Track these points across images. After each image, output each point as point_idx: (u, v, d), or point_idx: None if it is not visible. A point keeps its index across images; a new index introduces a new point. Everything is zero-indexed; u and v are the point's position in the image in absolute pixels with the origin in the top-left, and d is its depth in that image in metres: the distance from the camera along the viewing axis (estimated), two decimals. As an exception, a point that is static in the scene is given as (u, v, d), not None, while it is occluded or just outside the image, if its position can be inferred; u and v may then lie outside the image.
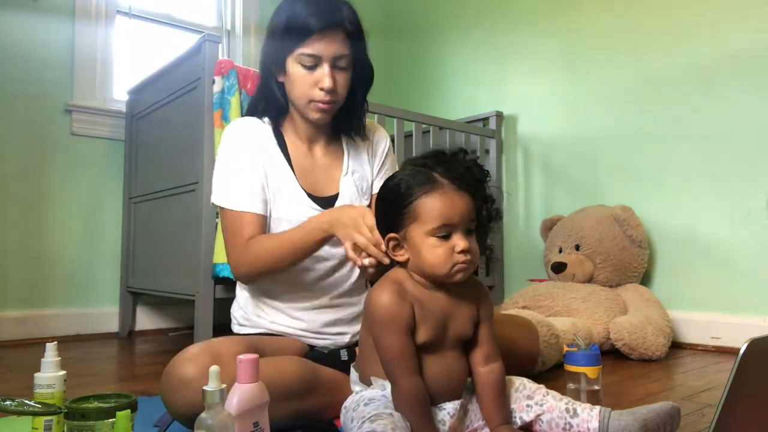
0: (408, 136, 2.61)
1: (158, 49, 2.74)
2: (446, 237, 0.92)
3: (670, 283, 2.29)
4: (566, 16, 2.69)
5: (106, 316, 2.46)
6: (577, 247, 2.33)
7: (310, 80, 1.20)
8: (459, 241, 0.91)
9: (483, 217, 0.97)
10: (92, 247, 2.46)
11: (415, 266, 0.95)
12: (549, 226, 2.55)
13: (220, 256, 1.78)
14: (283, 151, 1.28)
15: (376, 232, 1.00)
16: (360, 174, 1.35)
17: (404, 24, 3.51)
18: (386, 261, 1.00)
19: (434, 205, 0.91)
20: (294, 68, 1.20)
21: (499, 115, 2.90)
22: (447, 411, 0.95)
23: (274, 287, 1.27)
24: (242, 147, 1.25)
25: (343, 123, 1.32)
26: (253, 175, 1.23)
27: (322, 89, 1.19)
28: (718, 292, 2.16)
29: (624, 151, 2.45)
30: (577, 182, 2.62)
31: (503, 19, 2.96)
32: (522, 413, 1.00)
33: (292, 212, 1.24)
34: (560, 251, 2.39)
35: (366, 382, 1.00)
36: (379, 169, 1.39)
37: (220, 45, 2.17)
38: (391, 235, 0.96)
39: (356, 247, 1.05)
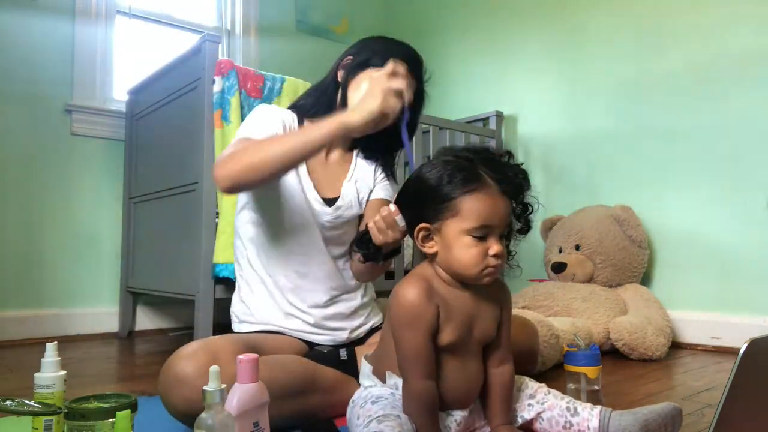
0: (408, 136, 2.60)
1: (158, 49, 2.74)
2: (482, 238, 0.89)
3: (670, 283, 2.29)
4: (566, 16, 2.69)
5: (106, 316, 2.46)
6: (577, 247, 2.33)
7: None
8: (494, 245, 0.89)
9: (517, 225, 0.96)
10: (92, 247, 2.46)
11: (444, 261, 0.92)
12: (549, 226, 2.55)
13: (220, 256, 1.78)
14: None
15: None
16: (363, 183, 1.38)
17: (404, 24, 3.51)
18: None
19: (478, 204, 0.88)
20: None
21: (499, 115, 2.90)
22: (455, 418, 0.95)
23: (274, 278, 1.28)
24: (269, 118, 1.29)
25: (370, 145, 1.37)
26: (272, 131, 1.26)
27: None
28: (718, 292, 2.16)
29: (624, 151, 2.45)
30: (577, 182, 2.62)
31: (503, 19, 2.96)
32: (523, 412, 1.01)
33: (297, 197, 1.27)
34: (560, 251, 2.39)
35: (379, 375, 0.98)
36: (381, 179, 1.42)
37: (220, 45, 2.17)
38: (424, 225, 0.92)
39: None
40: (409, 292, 0.90)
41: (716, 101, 2.19)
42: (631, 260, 2.25)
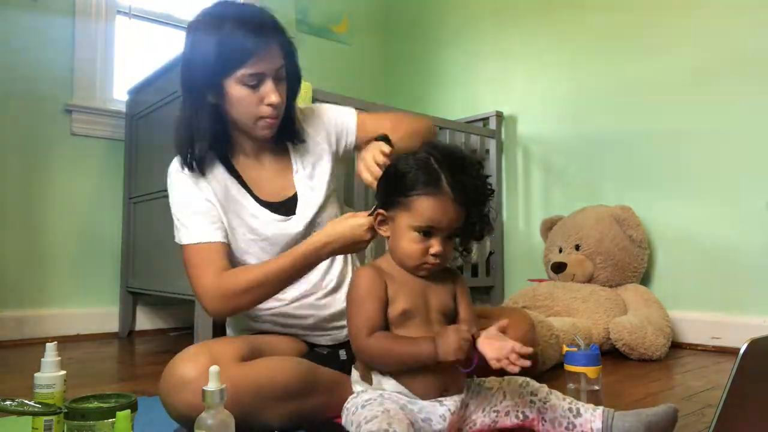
0: (408, 136, 2.60)
1: (158, 49, 2.74)
2: (427, 236, 0.99)
3: (670, 283, 2.29)
4: (566, 16, 2.69)
5: (106, 316, 2.46)
6: (577, 247, 2.33)
7: (255, 98, 1.16)
8: (436, 245, 0.99)
9: (473, 233, 1.03)
10: (92, 247, 2.46)
11: (392, 247, 1.04)
12: (549, 226, 2.55)
13: (220, 256, 1.78)
14: (231, 172, 1.26)
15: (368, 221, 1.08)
16: (312, 164, 1.31)
17: (404, 24, 3.51)
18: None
19: (428, 206, 0.97)
20: (235, 89, 1.15)
21: (499, 115, 2.90)
22: (447, 407, 0.96)
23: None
24: (188, 187, 1.25)
25: (281, 133, 1.28)
26: (206, 210, 1.21)
27: (270, 105, 1.16)
28: (718, 292, 2.16)
29: (624, 151, 2.45)
30: (577, 182, 2.62)
31: (503, 19, 2.96)
32: (525, 408, 1.00)
33: (257, 226, 1.22)
34: (560, 251, 2.39)
35: (367, 380, 1.01)
36: (341, 134, 1.36)
37: (220, 45, 2.16)
38: (381, 211, 1.04)
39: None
40: (359, 276, 1.02)
41: (716, 101, 2.19)
42: (631, 260, 2.25)
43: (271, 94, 1.16)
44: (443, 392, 0.97)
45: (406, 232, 0.99)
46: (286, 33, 1.20)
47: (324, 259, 1.15)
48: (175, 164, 1.29)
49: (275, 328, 1.27)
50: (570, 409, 0.98)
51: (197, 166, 1.24)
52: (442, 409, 0.95)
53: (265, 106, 1.17)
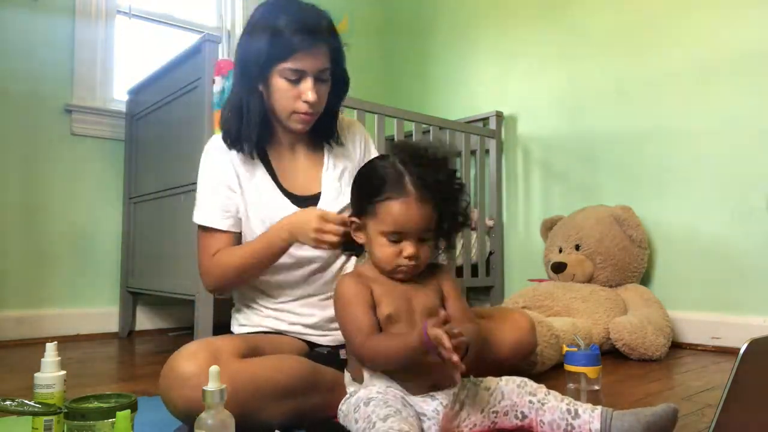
0: (408, 136, 2.61)
1: (158, 49, 2.74)
2: (397, 241, 1.00)
3: (670, 283, 2.29)
4: (566, 16, 2.69)
5: (106, 316, 2.46)
6: (577, 247, 2.33)
7: (294, 93, 1.21)
8: (408, 248, 0.99)
9: (443, 230, 1.04)
10: (92, 247, 2.46)
11: (369, 253, 1.06)
12: (549, 226, 2.55)
13: (220, 256, 1.78)
14: (263, 159, 1.30)
15: (342, 216, 1.08)
16: (343, 167, 1.35)
17: (404, 24, 3.51)
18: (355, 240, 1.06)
19: (393, 211, 0.98)
20: (277, 81, 1.21)
21: (499, 115, 2.90)
22: (439, 401, 0.96)
23: (271, 285, 1.28)
24: (215, 168, 1.29)
25: (320, 130, 1.33)
26: (223, 194, 1.27)
27: (306, 102, 1.21)
28: (718, 292, 2.16)
29: (624, 151, 2.45)
30: (577, 182, 2.62)
31: (503, 19, 2.96)
32: (524, 408, 1.00)
33: (276, 218, 1.23)
34: (560, 251, 2.39)
35: (358, 380, 1.02)
36: (365, 156, 1.41)
37: (220, 45, 2.17)
38: (354, 219, 1.06)
39: (321, 242, 1.10)
40: (341, 284, 1.04)
41: (716, 101, 2.19)
42: (631, 260, 2.25)
43: (308, 92, 1.20)
44: (433, 387, 0.98)
45: (377, 238, 1.01)
46: (339, 39, 1.26)
47: (285, 244, 1.17)
48: (215, 141, 1.33)
49: (279, 325, 1.27)
50: (568, 410, 0.97)
51: (237, 146, 1.27)
52: (434, 404, 0.96)
53: (301, 102, 1.21)
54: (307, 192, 1.31)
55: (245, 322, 1.31)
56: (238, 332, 1.31)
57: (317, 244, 1.11)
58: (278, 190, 1.29)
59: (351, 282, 1.03)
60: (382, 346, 0.95)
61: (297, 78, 1.20)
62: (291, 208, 1.26)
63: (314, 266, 1.27)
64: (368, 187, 1.02)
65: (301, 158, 1.34)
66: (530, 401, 1.00)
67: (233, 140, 1.27)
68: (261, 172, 1.29)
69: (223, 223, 1.26)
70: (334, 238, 1.08)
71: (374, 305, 1.00)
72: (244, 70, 1.24)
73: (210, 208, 1.27)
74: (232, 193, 1.27)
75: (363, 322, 0.98)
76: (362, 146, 1.43)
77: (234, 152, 1.28)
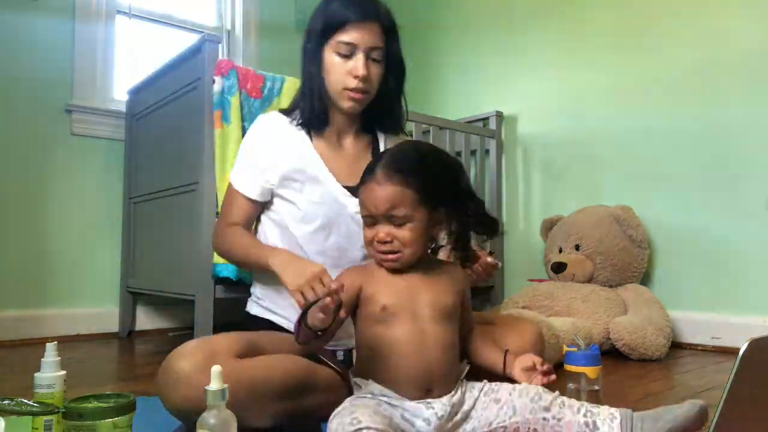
0: (408, 135, 2.60)
1: (158, 49, 2.74)
2: (371, 226, 1.01)
3: (670, 283, 2.29)
4: (567, 16, 2.69)
5: (106, 316, 2.46)
6: (577, 247, 2.33)
7: (345, 68, 1.22)
8: (380, 232, 0.99)
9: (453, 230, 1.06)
10: (92, 247, 2.46)
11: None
12: (549, 226, 2.55)
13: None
14: (311, 141, 1.32)
15: (334, 285, 0.91)
16: None
17: (404, 23, 3.49)
18: (342, 314, 0.95)
19: (363, 195, 1.01)
20: (330, 56, 1.23)
21: (499, 115, 2.90)
22: (435, 410, 0.93)
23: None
24: (262, 137, 1.30)
25: (375, 116, 1.34)
26: (262, 167, 1.27)
27: (356, 77, 1.22)
28: (718, 292, 2.16)
29: (624, 151, 2.45)
30: (577, 182, 2.62)
31: (503, 19, 2.96)
32: (536, 425, 0.93)
33: (326, 195, 1.26)
34: (560, 251, 2.39)
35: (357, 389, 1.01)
36: None
37: (220, 45, 2.17)
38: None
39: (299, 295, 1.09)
40: (342, 272, 1.06)
41: (716, 101, 2.19)
42: (631, 260, 2.25)
43: (359, 67, 1.21)
44: (427, 392, 0.95)
45: (363, 227, 1.04)
46: (395, 23, 1.29)
47: (269, 269, 1.18)
48: (272, 113, 1.36)
49: (280, 320, 1.28)
50: (587, 424, 0.91)
51: (297, 122, 1.30)
52: (428, 413, 0.92)
53: (351, 77, 1.22)
54: (348, 182, 1.28)
55: (262, 297, 1.32)
56: (253, 312, 1.33)
57: (295, 293, 1.09)
58: (326, 171, 1.27)
59: (349, 274, 1.04)
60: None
61: (349, 53, 1.21)
62: (338, 190, 1.26)
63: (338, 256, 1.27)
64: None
65: (347, 146, 1.34)
66: (544, 418, 0.93)
67: (293, 116, 1.31)
68: (311, 154, 1.29)
69: (253, 192, 1.29)
70: (310, 296, 1.05)
71: (357, 301, 1.01)
72: (305, 47, 1.28)
73: (245, 173, 1.30)
74: (272, 166, 1.27)
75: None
76: None
77: (289, 128, 1.30)
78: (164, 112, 2.20)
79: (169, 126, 2.16)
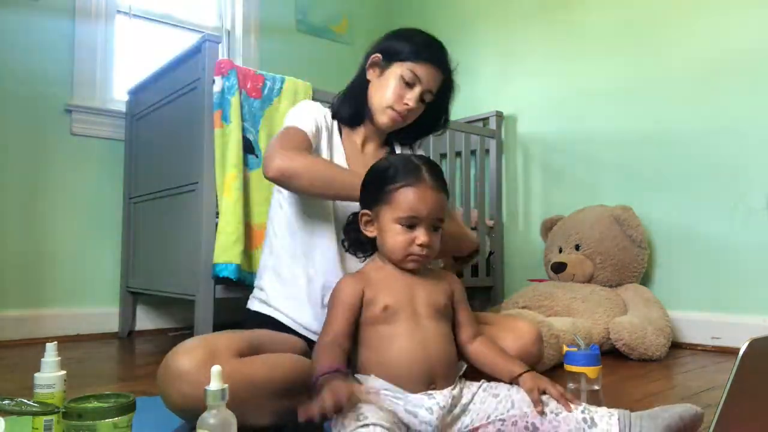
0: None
1: (158, 49, 2.74)
2: (411, 227, 1.01)
3: (670, 283, 2.29)
4: (566, 16, 2.69)
5: (106, 316, 2.46)
6: (577, 247, 2.33)
7: (400, 93, 1.31)
8: (421, 235, 1.01)
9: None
10: (92, 247, 2.46)
11: (380, 245, 1.06)
12: (549, 226, 2.55)
13: (220, 256, 1.78)
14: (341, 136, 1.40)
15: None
16: None
17: (404, 24, 3.50)
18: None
19: (408, 196, 1.00)
20: (394, 76, 1.31)
21: (499, 115, 2.90)
22: (437, 401, 0.94)
23: (311, 277, 1.28)
24: (308, 115, 1.34)
25: (399, 133, 1.44)
26: (313, 123, 1.32)
27: (405, 105, 1.31)
28: (718, 292, 2.16)
29: (624, 151, 2.45)
30: (577, 182, 2.62)
31: (503, 20, 2.96)
32: (535, 419, 0.95)
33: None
34: (560, 251, 2.39)
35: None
36: None
37: (220, 45, 2.17)
38: (365, 212, 1.07)
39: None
40: (340, 283, 1.06)
41: (716, 101, 2.19)
42: (631, 260, 2.25)
43: (413, 98, 1.31)
44: (431, 385, 0.97)
45: (390, 226, 1.02)
46: (453, 83, 1.43)
47: (349, 193, 1.16)
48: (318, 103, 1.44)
49: (282, 316, 1.28)
50: (584, 420, 0.92)
51: (334, 116, 1.40)
52: (429, 402, 0.94)
53: (402, 103, 1.31)
54: None
55: (267, 285, 1.33)
56: (256, 307, 1.34)
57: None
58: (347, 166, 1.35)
59: (347, 283, 1.04)
60: (317, 354, 0.98)
61: (412, 83, 1.31)
62: None
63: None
64: (384, 177, 1.04)
65: (368, 154, 1.41)
66: (542, 412, 0.94)
67: (335, 109, 1.39)
68: (338, 148, 1.37)
69: (307, 127, 1.30)
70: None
71: (361, 307, 1.02)
72: (370, 54, 1.37)
73: (299, 117, 1.32)
74: (315, 133, 1.32)
75: (336, 324, 1.01)
76: None
77: (328, 114, 1.38)
78: (164, 112, 2.20)
79: (169, 126, 2.16)
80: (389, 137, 1.46)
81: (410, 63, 1.31)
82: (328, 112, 1.40)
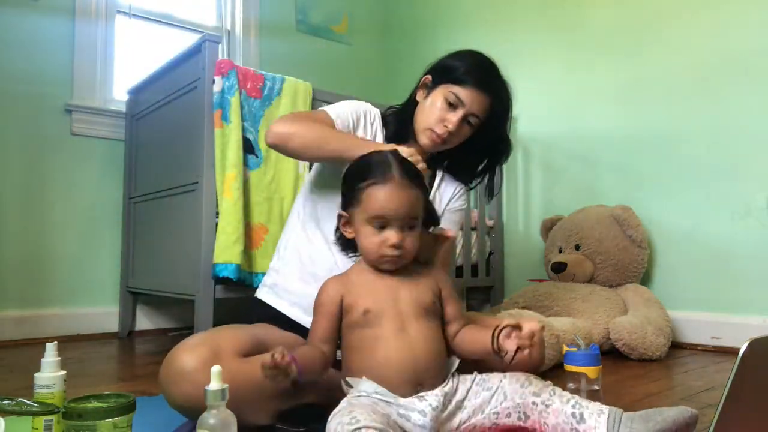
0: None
1: (158, 49, 2.74)
2: (382, 228, 0.99)
3: (670, 283, 2.29)
4: (566, 16, 2.69)
5: (106, 316, 2.46)
6: (577, 247, 2.33)
7: (443, 114, 1.28)
8: (391, 236, 0.98)
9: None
10: (92, 247, 2.46)
11: (359, 246, 1.05)
12: (549, 226, 2.55)
13: (220, 256, 1.78)
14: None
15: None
16: (439, 201, 1.40)
17: (404, 24, 3.51)
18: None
19: (376, 195, 0.98)
20: (439, 96, 1.29)
21: (499, 115, 2.89)
22: (428, 402, 0.93)
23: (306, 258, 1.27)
24: (351, 111, 1.33)
25: (446, 158, 1.41)
26: (350, 118, 1.31)
27: (445, 127, 1.28)
28: (718, 292, 2.16)
29: (624, 151, 2.45)
30: (577, 182, 2.62)
31: (503, 20, 2.96)
32: (526, 409, 0.95)
33: None
34: (560, 251, 2.39)
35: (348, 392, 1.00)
36: (453, 204, 1.44)
37: (220, 45, 2.17)
38: (342, 213, 1.05)
39: None
40: (322, 287, 1.04)
41: (716, 101, 2.19)
42: (631, 260, 2.25)
43: (453, 121, 1.27)
44: (417, 387, 0.96)
45: (363, 228, 1.00)
46: (507, 108, 1.37)
47: (344, 154, 1.15)
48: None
49: (288, 307, 1.27)
50: (573, 414, 0.92)
51: (378, 125, 1.38)
52: (421, 404, 0.93)
53: (442, 124, 1.28)
54: None
55: (279, 266, 1.31)
56: (263, 295, 1.31)
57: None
58: None
59: (329, 287, 1.04)
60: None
61: (455, 104, 1.27)
62: None
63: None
64: (355, 175, 1.02)
65: None
66: (533, 402, 0.95)
67: (383, 120, 1.39)
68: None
69: (335, 113, 1.28)
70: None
71: (341, 313, 1.01)
72: (423, 76, 1.36)
73: (334, 106, 1.32)
74: (353, 122, 1.32)
75: (316, 331, 1.02)
76: (455, 213, 1.43)
77: (378, 121, 1.37)
78: (164, 112, 2.20)
79: (169, 126, 2.16)
80: (434, 160, 1.41)
81: (455, 86, 1.29)
82: (378, 114, 1.39)
